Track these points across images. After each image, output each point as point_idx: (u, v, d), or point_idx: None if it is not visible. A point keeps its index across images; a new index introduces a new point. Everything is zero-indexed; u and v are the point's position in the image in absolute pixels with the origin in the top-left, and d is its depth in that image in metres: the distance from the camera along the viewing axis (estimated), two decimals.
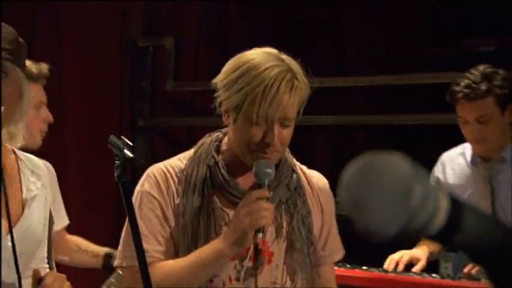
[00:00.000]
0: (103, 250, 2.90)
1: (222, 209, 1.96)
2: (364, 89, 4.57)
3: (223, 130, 2.05)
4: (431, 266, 3.16)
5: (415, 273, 2.91)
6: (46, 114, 2.76)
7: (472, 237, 0.96)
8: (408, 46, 4.68)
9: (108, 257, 2.83)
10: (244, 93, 1.89)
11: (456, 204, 0.94)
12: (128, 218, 1.69)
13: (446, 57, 4.52)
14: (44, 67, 2.72)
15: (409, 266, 3.02)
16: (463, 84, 2.88)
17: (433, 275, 2.86)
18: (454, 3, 4.27)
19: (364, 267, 2.86)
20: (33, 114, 2.66)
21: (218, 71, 1.99)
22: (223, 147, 2.02)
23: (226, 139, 2.02)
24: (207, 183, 1.96)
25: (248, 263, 1.95)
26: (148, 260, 1.73)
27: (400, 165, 0.91)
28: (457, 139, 3.22)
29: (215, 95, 1.96)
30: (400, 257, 2.97)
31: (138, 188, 2.01)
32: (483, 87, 2.85)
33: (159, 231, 1.96)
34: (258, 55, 1.93)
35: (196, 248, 1.92)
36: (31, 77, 2.58)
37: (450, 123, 3.65)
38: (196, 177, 1.97)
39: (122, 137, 1.71)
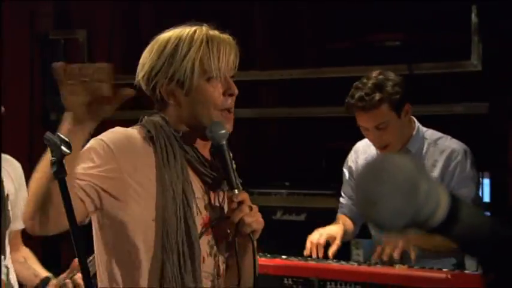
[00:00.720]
0: (44, 273, 2.77)
1: (196, 181, 1.93)
2: (274, 83, 4.62)
3: (157, 115, 1.94)
4: (344, 252, 3.24)
5: (333, 260, 2.96)
6: None
7: (467, 228, 1.08)
8: (316, 41, 4.74)
9: (45, 281, 2.72)
10: (191, 58, 1.86)
11: (454, 198, 1.06)
12: (66, 215, 1.64)
13: (353, 52, 4.60)
14: None
15: (326, 245, 3.09)
16: (356, 96, 2.98)
17: (351, 262, 2.93)
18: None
19: (283, 256, 2.89)
20: None
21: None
22: (177, 129, 1.93)
23: (172, 122, 1.93)
24: (181, 154, 1.90)
25: (208, 237, 1.94)
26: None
27: (407, 164, 1.03)
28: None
29: (152, 82, 1.89)
30: (318, 239, 3.00)
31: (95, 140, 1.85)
32: (376, 97, 2.95)
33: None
34: (176, 29, 1.92)
35: (184, 216, 1.85)
36: None
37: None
38: (172, 149, 1.89)
39: (58, 133, 1.66)
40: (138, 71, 1.94)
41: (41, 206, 1.71)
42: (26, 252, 2.86)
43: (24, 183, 2.77)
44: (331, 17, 4.51)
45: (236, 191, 1.90)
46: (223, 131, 1.89)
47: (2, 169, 2.72)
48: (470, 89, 3.97)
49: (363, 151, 3.23)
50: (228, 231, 1.95)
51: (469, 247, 1.11)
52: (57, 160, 1.61)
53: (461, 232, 1.07)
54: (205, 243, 1.92)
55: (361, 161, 3.23)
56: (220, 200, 1.97)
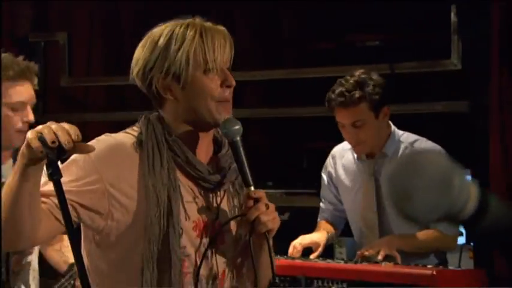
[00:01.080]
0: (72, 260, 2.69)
1: (187, 185, 1.85)
2: (256, 83, 4.62)
3: (152, 116, 1.89)
4: (327, 251, 3.26)
5: (319, 258, 3.00)
6: (27, 115, 2.54)
7: (495, 220, 1.11)
8: (297, 41, 4.75)
9: (72, 265, 2.66)
10: (186, 50, 1.80)
11: (483, 191, 1.11)
12: (62, 217, 1.60)
13: (334, 52, 4.62)
14: (30, 66, 2.55)
15: (309, 250, 3.11)
16: (337, 92, 3.02)
17: (337, 260, 2.95)
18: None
19: None
20: (8, 115, 2.49)
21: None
22: (170, 125, 1.87)
23: (167, 117, 1.87)
24: (169, 159, 1.83)
25: (207, 241, 1.87)
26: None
27: (441, 160, 1.08)
28: None
29: (147, 78, 1.83)
30: (301, 243, 3.07)
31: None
32: (356, 95, 2.99)
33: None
34: (169, 23, 1.87)
35: (168, 223, 1.79)
36: (9, 76, 2.47)
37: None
38: (159, 154, 1.82)
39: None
40: (132, 67, 1.87)
41: (10, 221, 1.67)
42: (65, 241, 2.78)
43: None
44: (312, 18, 4.52)
45: (252, 188, 1.83)
46: (237, 127, 1.84)
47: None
48: (450, 88, 4.00)
49: (339, 156, 3.26)
50: (234, 231, 1.90)
51: (495, 238, 1.14)
52: (52, 161, 1.58)
53: (489, 224, 1.10)
54: (199, 246, 1.85)
55: (339, 166, 3.25)
56: (218, 202, 1.90)
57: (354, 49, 4.40)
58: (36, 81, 2.60)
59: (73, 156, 1.74)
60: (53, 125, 1.60)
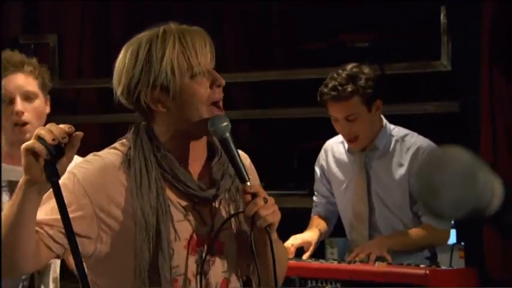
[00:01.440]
0: None
1: (178, 203, 1.78)
2: (246, 84, 4.60)
3: (142, 124, 1.84)
4: (318, 251, 3.24)
5: (312, 259, 2.99)
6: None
7: None
8: (287, 42, 4.74)
9: None
10: (169, 59, 1.73)
11: (507, 187, 1.13)
12: (62, 222, 1.56)
13: (324, 52, 4.61)
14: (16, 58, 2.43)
15: (301, 250, 3.09)
16: (330, 86, 3.03)
17: (330, 260, 2.94)
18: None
19: None
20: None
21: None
22: (161, 138, 1.80)
23: (158, 130, 1.81)
24: (159, 177, 1.77)
25: (203, 256, 1.80)
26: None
27: (465, 156, 1.10)
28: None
29: (134, 95, 1.76)
30: (292, 244, 3.05)
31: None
32: (348, 89, 2.99)
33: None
34: (144, 33, 1.80)
35: (157, 247, 1.73)
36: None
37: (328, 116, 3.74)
38: (147, 173, 1.76)
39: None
40: (115, 86, 1.79)
41: (7, 247, 1.62)
42: None
43: None
44: (302, 18, 4.51)
45: (248, 183, 1.76)
46: (225, 123, 1.77)
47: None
48: (441, 88, 4.00)
49: (331, 149, 3.26)
50: (234, 237, 1.84)
51: None
52: (49, 163, 1.56)
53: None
54: (192, 263, 1.79)
55: (331, 158, 3.25)
56: (213, 213, 1.82)
57: (344, 50, 4.39)
58: (29, 68, 2.46)
59: (62, 179, 1.66)
60: (43, 128, 1.59)
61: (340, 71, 3.05)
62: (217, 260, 1.82)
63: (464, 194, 1.06)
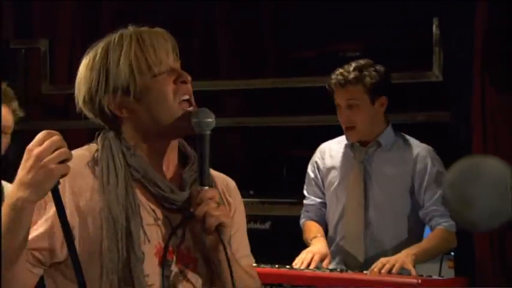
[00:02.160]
0: None
1: (148, 206, 1.67)
2: (238, 92, 4.56)
3: (110, 133, 1.72)
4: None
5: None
6: None
7: None
8: (278, 50, 4.70)
9: None
10: (126, 60, 1.64)
11: None
12: (62, 228, 1.49)
13: (314, 62, 4.57)
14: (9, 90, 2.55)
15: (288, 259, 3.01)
16: (337, 72, 3.08)
17: (322, 269, 2.88)
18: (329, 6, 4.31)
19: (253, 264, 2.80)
20: None
21: None
22: (130, 143, 1.69)
23: (126, 136, 1.69)
24: (128, 176, 1.65)
25: (174, 269, 1.66)
26: None
27: (499, 166, 1.10)
28: (328, 138, 3.27)
29: (95, 103, 1.67)
30: (312, 257, 2.95)
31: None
32: (353, 75, 3.03)
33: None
34: (102, 40, 1.71)
35: (127, 247, 1.59)
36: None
37: (320, 125, 3.69)
38: (115, 169, 1.64)
39: None
40: (76, 96, 1.70)
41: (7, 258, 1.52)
42: None
43: None
44: (294, 27, 4.47)
45: (206, 188, 1.64)
46: (209, 120, 1.65)
47: None
48: (432, 98, 3.97)
49: (327, 147, 3.22)
50: (194, 252, 1.69)
51: None
52: None
53: None
54: (156, 274, 1.64)
55: (327, 155, 3.20)
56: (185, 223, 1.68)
57: (335, 59, 4.35)
58: (14, 105, 2.59)
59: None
60: (46, 144, 1.47)
61: (352, 63, 3.09)
62: (190, 276, 1.69)
63: (499, 205, 1.04)
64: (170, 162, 1.73)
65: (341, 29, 4.30)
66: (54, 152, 1.47)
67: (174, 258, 1.66)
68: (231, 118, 4.44)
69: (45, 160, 1.46)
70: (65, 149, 1.49)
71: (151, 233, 1.66)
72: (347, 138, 3.14)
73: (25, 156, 1.49)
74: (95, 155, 1.68)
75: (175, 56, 1.70)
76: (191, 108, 1.68)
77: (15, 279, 1.57)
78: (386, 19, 4.05)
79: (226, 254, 1.62)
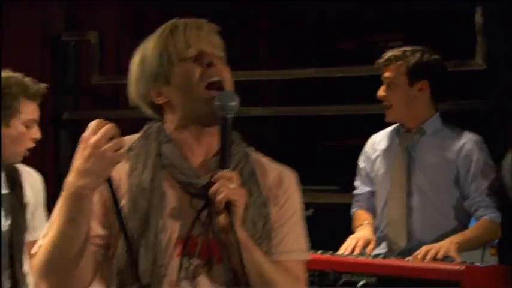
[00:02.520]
0: None
1: (175, 195, 1.64)
2: (278, 82, 4.56)
3: (155, 123, 1.74)
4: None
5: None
6: (36, 132, 2.62)
7: None
8: (320, 41, 4.69)
9: None
10: (158, 47, 1.66)
11: None
12: (116, 216, 1.54)
13: (356, 52, 4.55)
14: (43, 87, 2.63)
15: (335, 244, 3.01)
16: (386, 52, 3.09)
17: (365, 255, 2.86)
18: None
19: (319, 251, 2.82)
20: (23, 132, 2.56)
21: None
22: (168, 130, 1.69)
23: (168, 126, 1.70)
24: (157, 163, 1.64)
25: (196, 261, 1.61)
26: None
27: None
28: (370, 128, 3.26)
29: (142, 94, 1.70)
30: (356, 242, 2.95)
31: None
32: (396, 53, 3.04)
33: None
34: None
35: (147, 230, 1.58)
36: (28, 95, 2.55)
37: (361, 114, 3.66)
38: (145, 157, 1.65)
39: None
40: (129, 94, 1.74)
41: (57, 261, 1.54)
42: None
43: (42, 199, 2.71)
44: (335, 18, 4.45)
45: (226, 171, 1.59)
46: (233, 103, 1.60)
47: (23, 179, 2.66)
48: (474, 87, 3.91)
49: (379, 137, 3.18)
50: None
51: None
52: None
53: None
54: (175, 265, 1.60)
55: (378, 144, 3.17)
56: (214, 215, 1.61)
57: (377, 49, 4.32)
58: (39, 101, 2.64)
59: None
60: (102, 132, 1.51)
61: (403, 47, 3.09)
62: (214, 269, 1.62)
63: None
64: (207, 150, 1.69)
65: (383, 19, 4.26)
66: (109, 140, 1.51)
67: (198, 250, 1.62)
68: (271, 107, 4.45)
69: (103, 148, 1.49)
70: (119, 138, 1.52)
71: (173, 223, 1.63)
72: (386, 118, 3.11)
73: (81, 145, 1.52)
74: (134, 142, 1.70)
75: (210, 43, 1.69)
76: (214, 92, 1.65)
77: (80, 271, 1.57)
78: (428, 8, 4.01)
79: (236, 237, 1.54)
